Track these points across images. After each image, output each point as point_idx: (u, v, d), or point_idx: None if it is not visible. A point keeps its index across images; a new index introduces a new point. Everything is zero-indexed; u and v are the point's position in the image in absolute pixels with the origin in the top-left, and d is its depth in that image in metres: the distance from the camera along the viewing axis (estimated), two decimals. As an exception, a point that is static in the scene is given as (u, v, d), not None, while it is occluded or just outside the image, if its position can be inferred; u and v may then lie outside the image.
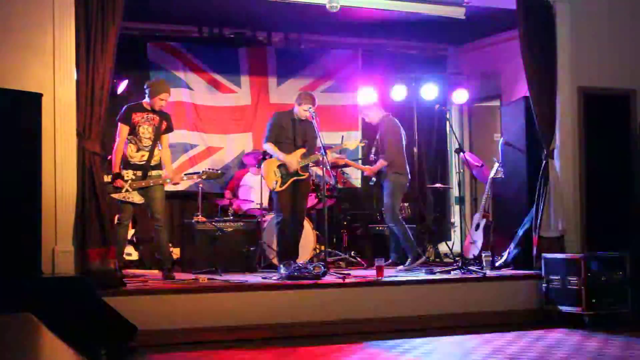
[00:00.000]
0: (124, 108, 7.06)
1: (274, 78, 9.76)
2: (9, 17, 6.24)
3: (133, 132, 6.95)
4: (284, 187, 7.58)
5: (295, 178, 7.62)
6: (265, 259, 8.09)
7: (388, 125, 8.24)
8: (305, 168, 7.72)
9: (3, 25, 6.22)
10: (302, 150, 7.69)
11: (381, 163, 8.15)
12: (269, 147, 7.69)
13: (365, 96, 9.06)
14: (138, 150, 6.97)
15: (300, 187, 7.69)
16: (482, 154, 9.58)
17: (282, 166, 7.62)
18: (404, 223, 8.14)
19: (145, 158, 6.97)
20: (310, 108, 7.54)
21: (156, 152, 7.03)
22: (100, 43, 6.28)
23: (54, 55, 6.26)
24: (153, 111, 7.01)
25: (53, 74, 6.25)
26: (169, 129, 7.16)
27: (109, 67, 6.32)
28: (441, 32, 9.47)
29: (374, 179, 8.34)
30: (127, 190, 6.86)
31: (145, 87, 7.12)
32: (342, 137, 9.11)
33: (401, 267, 8.01)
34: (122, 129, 6.95)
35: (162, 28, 9.34)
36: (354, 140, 8.12)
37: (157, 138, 7.03)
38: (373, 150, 8.37)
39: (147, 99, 7.03)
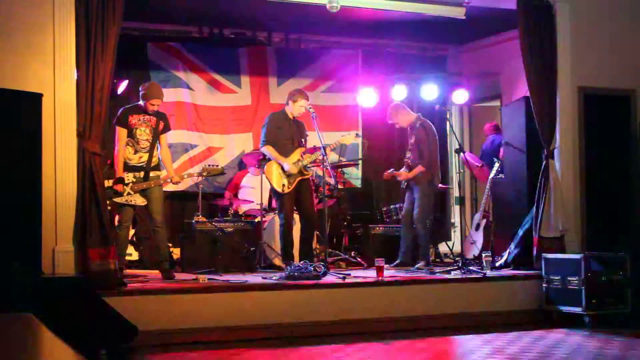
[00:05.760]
0: (120, 111, 7.05)
1: (274, 78, 9.76)
2: (9, 17, 6.24)
3: (130, 134, 6.94)
4: (292, 188, 7.54)
5: (300, 177, 7.59)
6: (265, 259, 8.08)
7: (427, 130, 7.98)
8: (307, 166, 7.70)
9: (3, 25, 6.21)
10: (302, 149, 7.67)
11: (419, 169, 7.88)
12: (267, 151, 7.58)
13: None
14: (136, 152, 6.96)
15: (302, 187, 7.65)
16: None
17: None
18: (429, 228, 8.04)
19: (143, 160, 6.96)
20: (308, 105, 7.51)
21: (155, 152, 7.02)
22: (100, 43, 6.28)
23: (54, 55, 6.25)
24: (149, 112, 7.00)
25: (53, 74, 6.25)
26: (167, 129, 7.16)
27: (109, 67, 6.31)
28: (441, 32, 9.46)
29: (405, 183, 8.07)
30: (128, 194, 6.86)
31: (140, 89, 7.09)
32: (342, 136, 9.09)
33: (420, 263, 7.88)
34: (121, 132, 6.93)
35: (162, 28, 9.35)
36: (348, 136, 7.96)
37: (155, 139, 7.02)
38: (408, 154, 8.08)
39: (141, 101, 7.02)
